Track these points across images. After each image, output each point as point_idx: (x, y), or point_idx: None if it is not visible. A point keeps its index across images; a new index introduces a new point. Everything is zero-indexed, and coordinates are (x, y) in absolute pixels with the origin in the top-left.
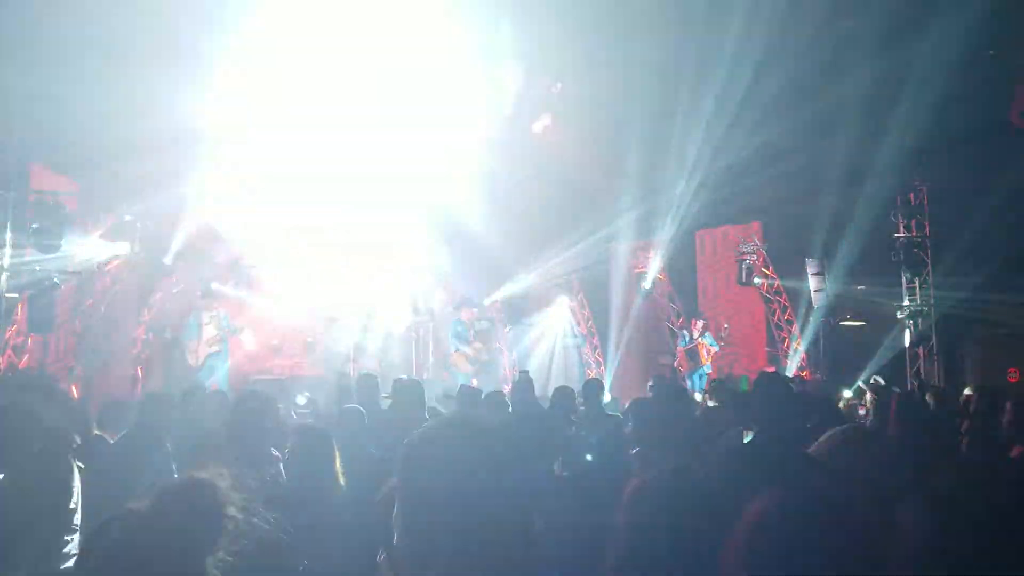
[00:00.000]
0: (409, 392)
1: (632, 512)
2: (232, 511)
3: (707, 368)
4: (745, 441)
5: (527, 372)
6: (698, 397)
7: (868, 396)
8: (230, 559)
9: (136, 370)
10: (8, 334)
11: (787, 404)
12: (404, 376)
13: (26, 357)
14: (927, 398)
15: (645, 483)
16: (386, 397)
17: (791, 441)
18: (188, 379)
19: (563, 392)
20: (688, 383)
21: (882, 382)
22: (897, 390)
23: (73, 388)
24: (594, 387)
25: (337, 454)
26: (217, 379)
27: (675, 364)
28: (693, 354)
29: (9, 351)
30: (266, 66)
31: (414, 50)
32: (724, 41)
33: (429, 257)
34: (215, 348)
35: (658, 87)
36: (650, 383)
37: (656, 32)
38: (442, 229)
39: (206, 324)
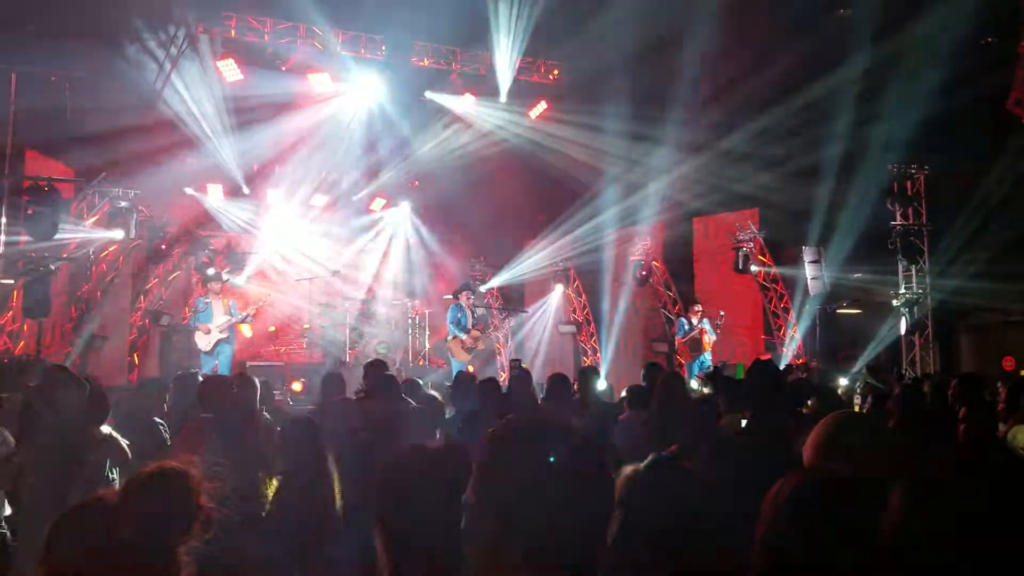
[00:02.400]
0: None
1: (625, 503)
2: (203, 500)
3: (707, 356)
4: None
5: (519, 361)
6: (695, 385)
7: (864, 383)
8: (201, 547)
9: (132, 356)
10: (3, 320)
11: (778, 391)
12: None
13: (22, 343)
14: (924, 388)
15: (637, 473)
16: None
17: (783, 428)
18: (183, 365)
19: (558, 380)
20: (688, 372)
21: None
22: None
23: None
24: (589, 375)
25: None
26: (220, 364)
27: (675, 352)
28: (695, 343)
29: (4, 336)
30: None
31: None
32: (721, 26)
33: (425, 243)
34: (224, 334)
35: (655, 73)
36: (643, 371)
37: (653, 17)
38: (438, 216)
39: (218, 312)
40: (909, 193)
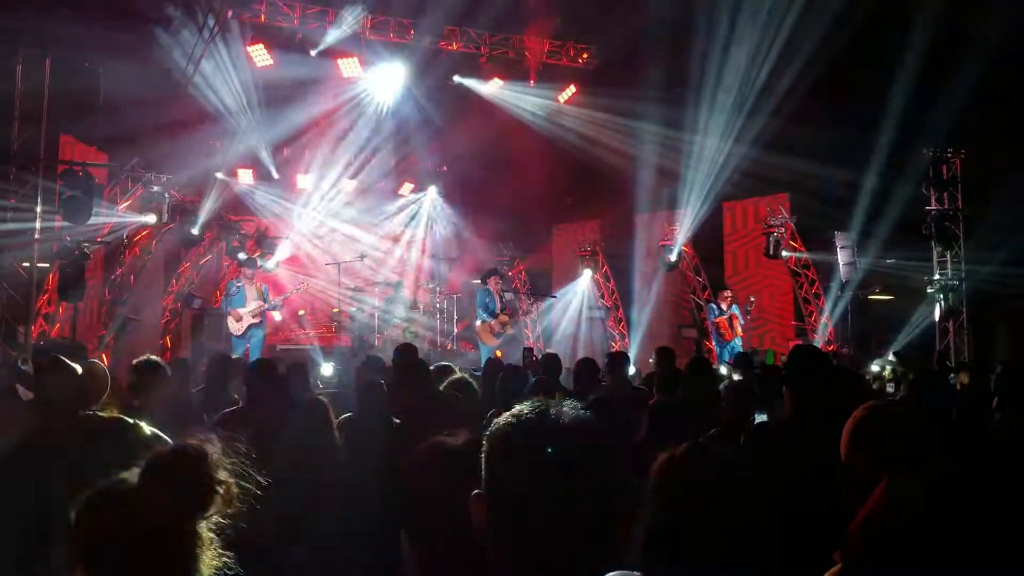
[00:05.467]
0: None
1: (660, 487)
2: (222, 475)
3: (738, 342)
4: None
5: (531, 350)
6: (724, 371)
7: (895, 371)
8: (224, 521)
9: (165, 339)
10: (39, 303)
11: (827, 378)
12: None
13: (57, 326)
14: (960, 376)
15: (673, 457)
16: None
17: (831, 417)
18: (214, 348)
19: (586, 364)
20: (718, 357)
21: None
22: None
23: (103, 356)
24: (620, 360)
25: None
26: (251, 348)
27: (704, 337)
28: (719, 327)
29: (40, 319)
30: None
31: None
32: (757, 8)
33: (453, 228)
34: (256, 319)
35: (687, 55)
36: (652, 358)
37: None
38: (466, 200)
39: (250, 297)
40: (945, 177)
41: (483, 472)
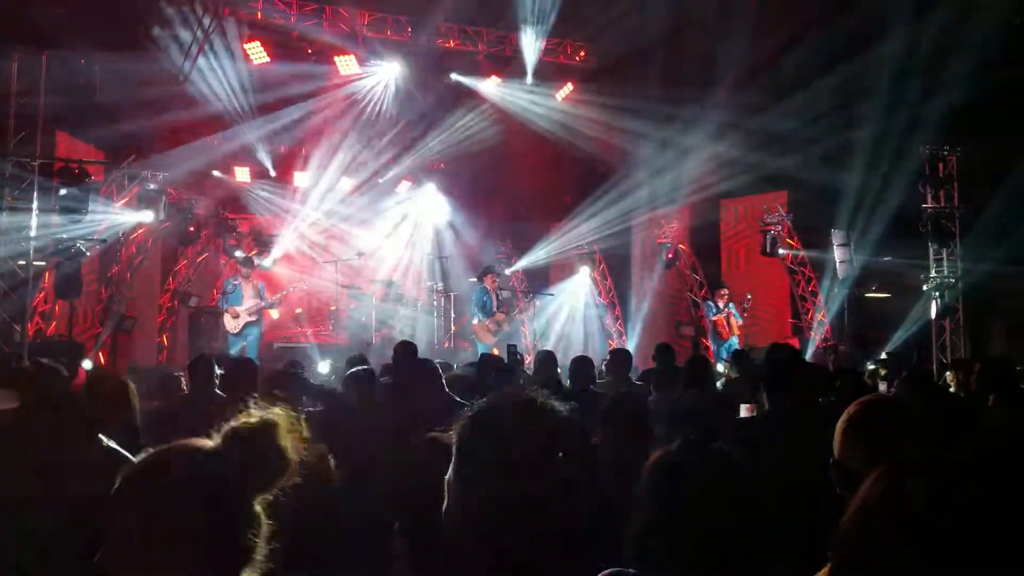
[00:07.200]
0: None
1: (655, 483)
2: (291, 453)
3: (735, 340)
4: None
5: (515, 346)
6: (721, 368)
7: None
8: (275, 499)
9: (162, 337)
10: (36, 301)
11: (798, 375)
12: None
13: (53, 324)
14: (949, 374)
15: (668, 454)
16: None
17: (805, 413)
18: (211, 346)
19: (582, 362)
20: (715, 355)
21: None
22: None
23: (100, 355)
24: (623, 358)
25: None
26: (248, 346)
27: (702, 335)
28: (717, 325)
29: (37, 318)
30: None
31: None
32: (751, 5)
33: (451, 226)
34: (253, 317)
35: (683, 54)
36: (654, 354)
37: None
38: (463, 198)
39: (247, 295)
40: (941, 175)
41: None
